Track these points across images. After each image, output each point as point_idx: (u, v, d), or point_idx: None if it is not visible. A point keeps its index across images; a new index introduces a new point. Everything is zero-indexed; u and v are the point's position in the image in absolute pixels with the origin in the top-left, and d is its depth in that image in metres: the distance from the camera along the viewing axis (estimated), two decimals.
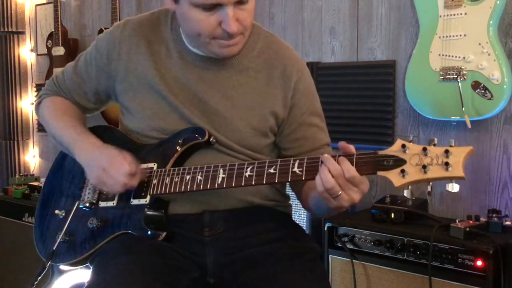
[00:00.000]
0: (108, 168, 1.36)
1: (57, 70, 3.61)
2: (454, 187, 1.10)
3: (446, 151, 1.07)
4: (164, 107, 1.42)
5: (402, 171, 1.10)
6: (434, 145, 1.10)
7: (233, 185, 1.28)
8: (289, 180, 1.24)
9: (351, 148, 1.18)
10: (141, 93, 1.44)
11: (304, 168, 1.21)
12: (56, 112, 1.56)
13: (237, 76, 1.42)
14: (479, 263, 1.74)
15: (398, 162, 1.11)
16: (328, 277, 2.00)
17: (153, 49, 1.44)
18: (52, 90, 1.62)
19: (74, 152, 1.46)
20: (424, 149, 1.09)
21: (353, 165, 1.14)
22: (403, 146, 1.11)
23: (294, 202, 1.57)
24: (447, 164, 1.07)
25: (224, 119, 1.40)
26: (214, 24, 1.28)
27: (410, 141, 1.12)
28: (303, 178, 1.22)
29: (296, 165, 1.22)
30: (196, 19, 1.29)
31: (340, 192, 1.15)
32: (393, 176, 1.11)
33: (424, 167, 1.08)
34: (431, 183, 1.13)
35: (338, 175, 1.14)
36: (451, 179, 1.09)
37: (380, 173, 1.13)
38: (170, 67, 1.43)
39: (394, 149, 1.13)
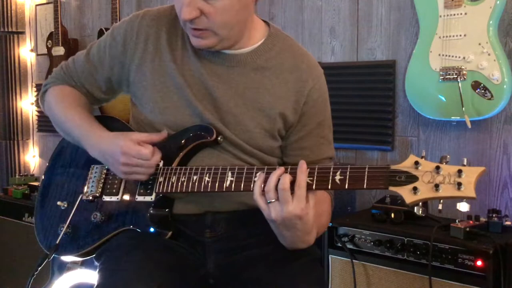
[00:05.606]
0: (126, 160, 1.33)
1: None
2: (464, 207, 1.10)
3: (459, 171, 1.07)
4: (178, 101, 1.39)
5: (414, 188, 1.09)
6: (446, 162, 1.09)
7: (241, 189, 1.26)
8: None
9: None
10: (156, 85, 1.41)
11: (315, 177, 1.19)
12: (63, 100, 1.52)
13: (250, 74, 1.39)
14: (479, 263, 1.73)
15: (410, 178, 1.10)
16: (325, 281, 1.99)
17: (171, 41, 1.42)
18: (60, 78, 1.56)
19: (86, 147, 1.44)
20: (437, 167, 1.08)
21: (364, 179, 1.14)
22: (416, 162, 1.11)
23: None
24: (459, 184, 1.06)
25: (234, 117, 1.37)
26: (179, 7, 1.29)
27: (422, 157, 1.12)
28: (314, 188, 1.19)
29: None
30: None
31: (273, 200, 1.17)
32: (405, 193, 1.11)
33: (436, 185, 1.08)
34: (442, 201, 1.12)
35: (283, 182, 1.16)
36: (462, 198, 1.09)
37: (392, 188, 1.12)
38: (186, 60, 1.40)
39: (406, 165, 1.12)
